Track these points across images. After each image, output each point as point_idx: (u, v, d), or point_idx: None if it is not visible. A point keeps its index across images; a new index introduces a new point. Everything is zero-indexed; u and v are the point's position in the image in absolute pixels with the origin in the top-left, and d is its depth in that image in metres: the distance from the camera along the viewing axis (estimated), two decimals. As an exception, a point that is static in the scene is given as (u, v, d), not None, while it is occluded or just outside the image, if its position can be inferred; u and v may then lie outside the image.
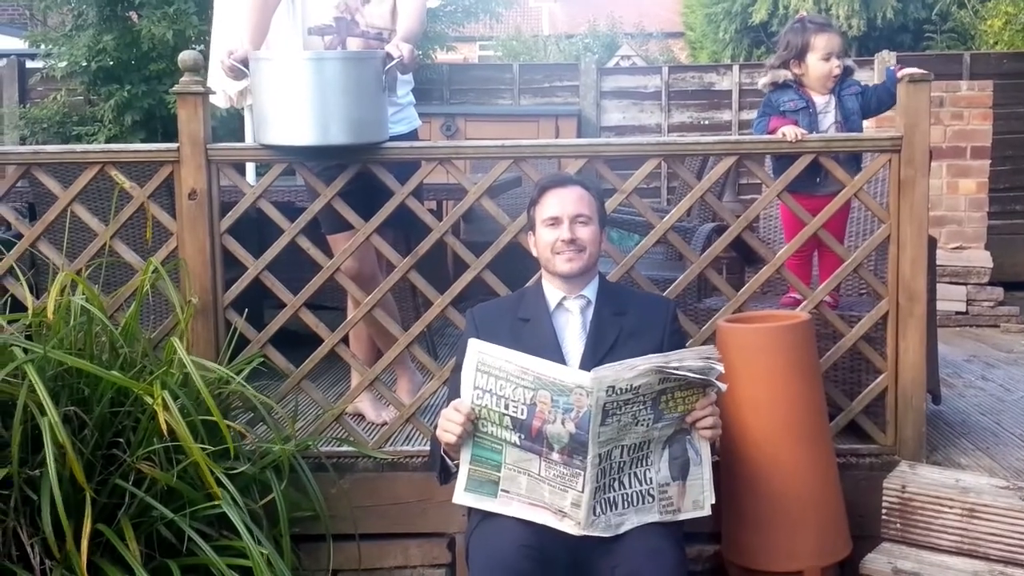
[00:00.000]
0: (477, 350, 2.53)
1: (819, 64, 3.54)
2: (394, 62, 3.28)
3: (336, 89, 3.18)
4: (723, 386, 2.57)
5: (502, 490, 2.54)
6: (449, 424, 2.54)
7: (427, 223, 3.41)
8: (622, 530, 2.52)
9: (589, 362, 2.71)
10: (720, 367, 2.53)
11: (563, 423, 2.43)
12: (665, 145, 3.63)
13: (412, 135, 3.76)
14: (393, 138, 3.47)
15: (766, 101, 3.62)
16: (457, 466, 2.60)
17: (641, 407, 2.47)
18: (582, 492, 2.45)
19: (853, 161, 3.52)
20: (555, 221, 2.79)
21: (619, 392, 2.41)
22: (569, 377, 2.44)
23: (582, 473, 2.44)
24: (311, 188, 3.47)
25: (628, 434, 2.49)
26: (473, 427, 2.55)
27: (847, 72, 3.59)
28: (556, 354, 2.74)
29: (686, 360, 2.49)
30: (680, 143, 3.76)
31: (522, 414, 2.47)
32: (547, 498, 2.51)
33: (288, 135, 3.24)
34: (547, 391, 2.44)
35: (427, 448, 3.37)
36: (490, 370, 2.50)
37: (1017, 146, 7.94)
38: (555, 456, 2.46)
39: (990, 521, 2.96)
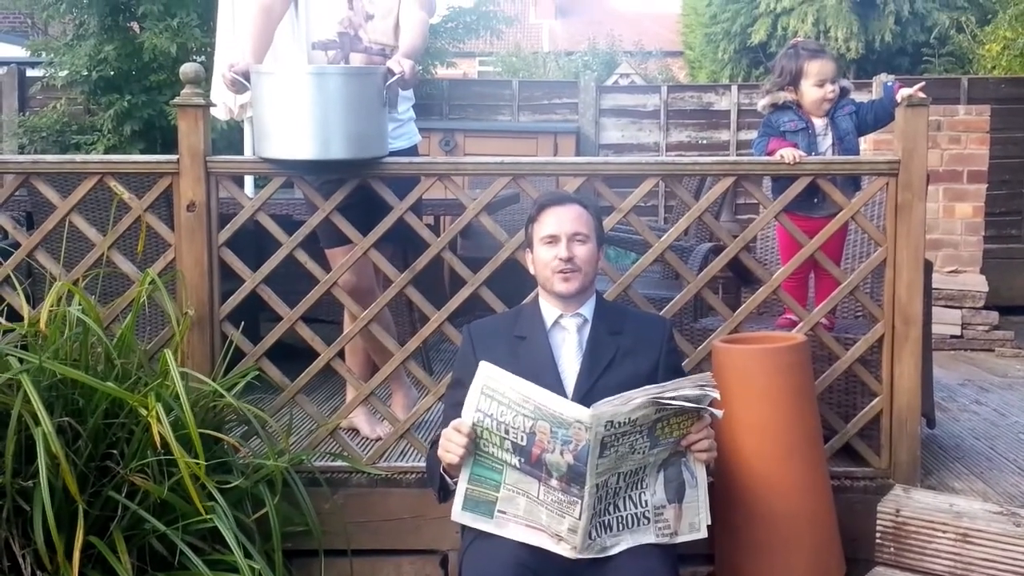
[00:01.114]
0: (486, 375, 2.51)
1: (813, 90, 3.57)
2: (395, 78, 3.29)
3: (337, 104, 3.19)
4: (719, 413, 2.56)
5: (499, 511, 2.53)
6: (451, 444, 2.53)
7: (425, 238, 3.41)
8: (616, 551, 2.51)
9: (585, 381, 2.71)
10: (715, 394, 2.53)
11: (561, 454, 2.42)
12: (664, 164, 3.64)
13: (412, 151, 3.77)
14: (393, 153, 3.48)
15: (766, 122, 3.63)
16: (456, 484, 2.60)
17: (638, 436, 2.47)
18: (579, 519, 2.44)
19: (851, 183, 3.54)
20: (553, 239, 2.79)
21: (617, 426, 2.41)
22: (568, 411, 2.42)
23: (579, 502, 2.43)
24: (310, 202, 3.47)
25: (625, 462, 2.48)
26: (475, 446, 2.54)
27: (843, 94, 3.62)
28: (552, 373, 2.74)
29: (682, 389, 2.48)
30: (679, 163, 3.75)
31: (522, 441, 2.46)
32: (544, 521, 2.50)
33: (288, 149, 3.24)
34: (546, 422, 2.42)
35: (422, 464, 3.36)
36: (494, 394, 2.49)
37: (1014, 171, 7.97)
38: (554, 483, 2.45)
39: (983, 546, 2.95)
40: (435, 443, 2.70)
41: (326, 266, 3.51)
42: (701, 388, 2.50)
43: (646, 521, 2.55)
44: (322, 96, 3.18)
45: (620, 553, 2.51)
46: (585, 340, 2.80)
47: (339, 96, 3.19)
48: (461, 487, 2.57)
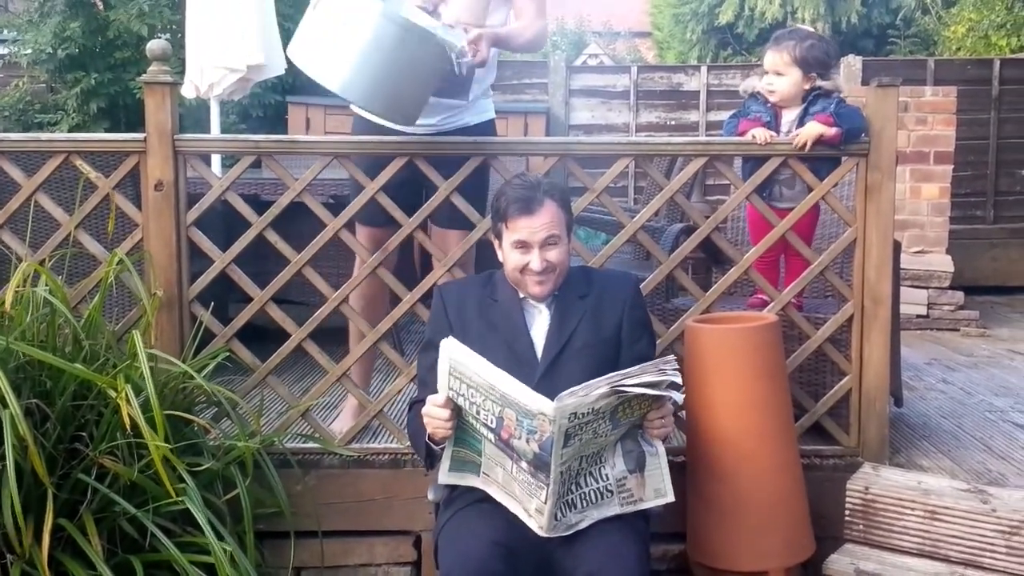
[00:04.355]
0: (449, 355, 2.49)
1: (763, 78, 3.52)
2: (465, 59, 3.11)
3: (387, 54, 2.93)
4: (679, 398, 2.55)
5: (483, 472, 2.56)
6: (435, 421, 2.54)
7: (396, 218, 3.38)
8: (583, 526, 2.53)
9: (554, 341, 2.74)
10: (676, 377, 2.50)
11: (527, 442, 2.41)
12: (636, 145, 3.63)
13: (487, 126, 3.58)
14: (466, 131, 3.46)
15: (743, 105, 3.60)
16: (443, 450, 2.61)
17: (601, 422, 2.45)
18: (545, 503, 2.45)
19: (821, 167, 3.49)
20: (524, 246, 2.73)
21: (580, 416, 2.39)
22: (533, 404, 2.38)
23: (545, 488, 2.43)
24: (355, 182, 3.42)
25: (588, 447, 2.48)
26: (459, 413, 2.54)
27: (820, 92, 3.45)
28: (524, 336, 2.76)
29: (644, 375, 2.46)
30: (651, 143, 3.76)
31: (492, 423, 2.46)
32: (518, 494, 2.51)
33: (326, 75, 2.96)
34: (512, 410, 2.40)
35: (394, 445, 3.37)
36: (462, 376, 2.48)
37: (979, 152, 8.05)
38: (524, 465, 2.45)
39: (951, 523, 2.99)
40: (412, 406, 2.76)
41: (298, 246, 3.48)
42: (661, 372, 2.49)
43: (609, 494, 2.56)
44: (376, 39, 2.90)
45: (590, 529, 2.52)
46: (554, 305, 2.80)
47: (392, 47, 2.92)
48: (447, 451, 2.60)
